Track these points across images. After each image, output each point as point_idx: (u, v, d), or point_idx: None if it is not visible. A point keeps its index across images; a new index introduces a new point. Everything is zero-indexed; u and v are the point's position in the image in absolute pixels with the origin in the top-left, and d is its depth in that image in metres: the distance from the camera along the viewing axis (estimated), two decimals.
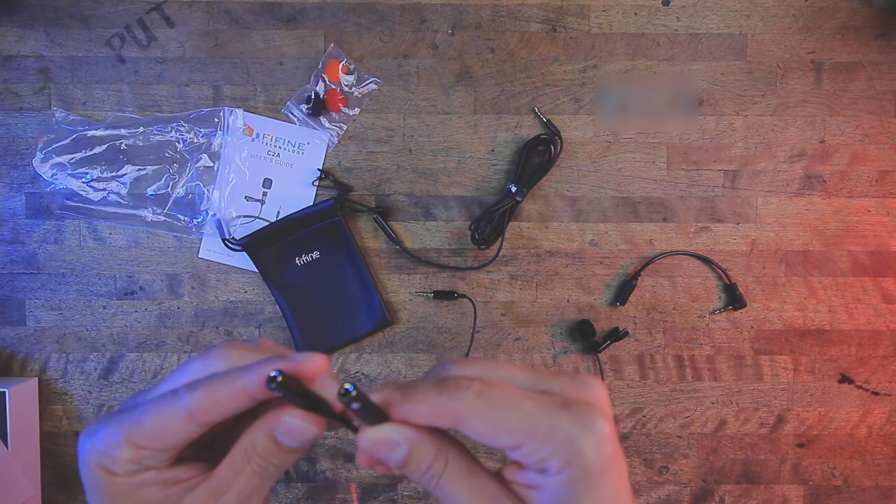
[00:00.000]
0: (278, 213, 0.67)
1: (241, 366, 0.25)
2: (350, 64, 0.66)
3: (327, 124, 0.67)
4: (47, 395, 0.67)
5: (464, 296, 0.67)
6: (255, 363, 0.24)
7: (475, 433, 0.23)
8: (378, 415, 0.24)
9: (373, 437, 0.24)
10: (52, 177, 0.66)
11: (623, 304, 0.67)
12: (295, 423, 0.24)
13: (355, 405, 0.23)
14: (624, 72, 0.67)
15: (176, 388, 0.24)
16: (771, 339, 0.68)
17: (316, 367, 0.24)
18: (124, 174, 0.67)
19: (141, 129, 0.66)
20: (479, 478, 0.25)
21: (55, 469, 0.68)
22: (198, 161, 0.67)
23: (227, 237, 0.66)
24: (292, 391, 0.22)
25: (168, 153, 0.67)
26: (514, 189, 0.64)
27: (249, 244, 0.65)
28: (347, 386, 0.22)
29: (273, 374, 0.21)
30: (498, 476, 0.26)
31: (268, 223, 0.66)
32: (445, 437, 0.25)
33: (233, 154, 0.67)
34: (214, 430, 0.25)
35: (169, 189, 0.67)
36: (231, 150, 0.67)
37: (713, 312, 0.68)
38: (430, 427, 0.25)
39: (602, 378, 0.68)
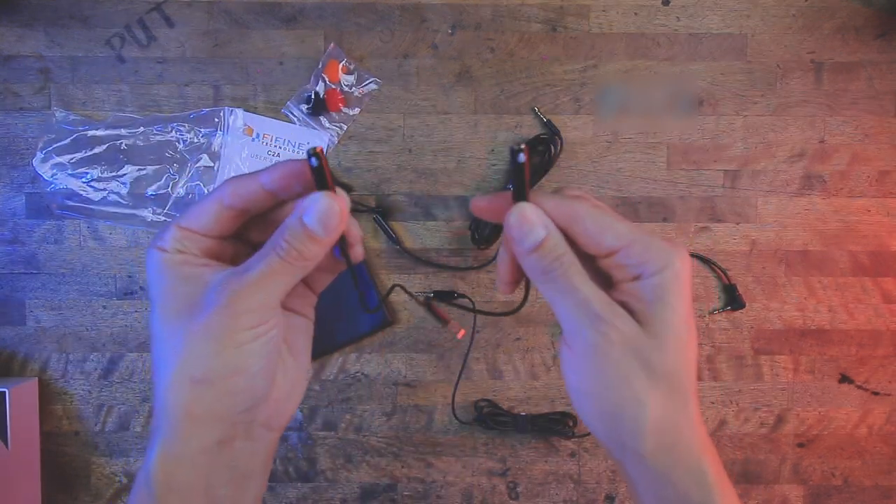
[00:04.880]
0: None
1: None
2: (350, 64, 0.66)
3: (327, 124, 0.67)
4: (47, 395, 0.67)
5: (464, 296, 0.67)
6: (273, 165, 0.28)
7: (586, 231, 0.28)
8: (522, 192, 0.28)
9: (524, 210, 0.28)
10: (52, 177, 0.66)
11: None
12: (319, 200, 0.27)
13: (522, 158, 0.27)
14: (624, 72, 0.67)
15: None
16: (771, 338, 0.68)
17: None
18: (124, 174, 0.67)
19: (141, 129, 0.66)
20: (592, 281, 0.28)
21: (55, 469, 0.68)
22: (198, 161, 0.67)
23: None
24: (321, 173, 0.26)
25: (168, 153, 0.67)
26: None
27: None
28: (522, 146, 0.27)
29: (314, 148, 0.26)
30: None
31: None
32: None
33: (233, 154, 0.67)
34: (243, 233, 0.30)
35: (169, 189, 0.67)
36: (231, 150, 0.67)
37: (712, 312, 0.68)
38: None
39: None
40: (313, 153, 0.26)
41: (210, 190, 0.67)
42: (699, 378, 0.68)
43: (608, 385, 0.27)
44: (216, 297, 0.26)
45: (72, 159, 0.66)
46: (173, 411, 0.27)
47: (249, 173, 0.29)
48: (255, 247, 0.30)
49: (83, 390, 0.68)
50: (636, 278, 0.28)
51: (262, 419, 0.29)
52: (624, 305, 0.28)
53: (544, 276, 0.28)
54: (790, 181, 0.68)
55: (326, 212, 0.27)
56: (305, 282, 0.32)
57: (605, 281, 0.29)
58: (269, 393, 0.29)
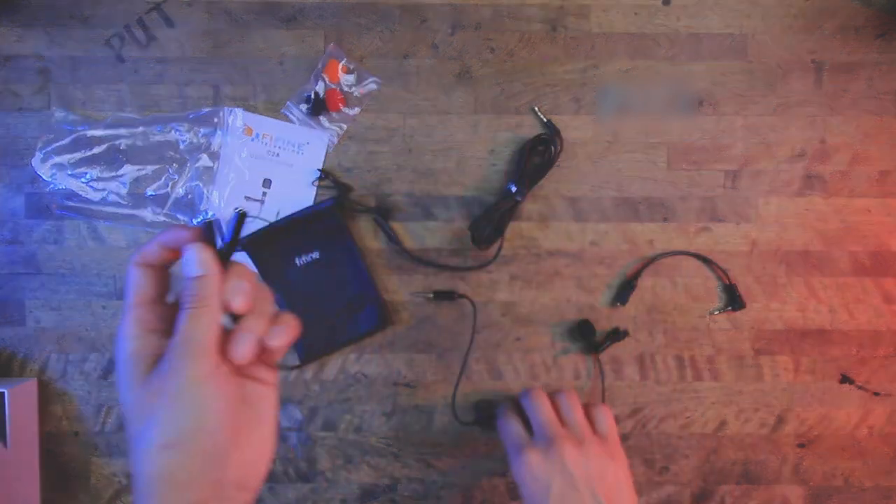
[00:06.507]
0: (278, 213, 0.67)
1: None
2: (350, 64, 0.66)
3: (327, 124, 0.67)
4: (47, 396, 0.67)
5: (464, 296, 0.67)
6: (160, 235, 0.35)
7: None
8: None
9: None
10: (51, 177, 0.66)
11: (623, 304, 0.67)
12: (188, 251, 0.33)
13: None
14: (624, 72, 0.67)
15: None
16: (771, 339, 0.68)
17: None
18: (124, 174, 0.66)
19: (141, 129, 0.66)
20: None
21: (55, 469, 0.68)
22: (197, 161, 0.67)
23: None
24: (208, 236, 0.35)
25: (168, 153, 0.67)
26: (514, 189, 0.64)
27: (249, 244, 0.65)
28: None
29: (206, 219, 0.36)
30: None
31: (268, 223, 0.66)
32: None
33: (232, 154, 0.67)
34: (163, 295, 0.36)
35: (168, 189, 0.67)
36: (231, 150, 0.67)
37: (712, 313, 0.68)
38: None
39: (602, 379, 0.67)
40: (205, 220, 0.36)
41: (209, 190, 0.67)
42: (700, 378, 0.68)
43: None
44: (163, 364, 0.31)
45: (71, 159, 0.66)
46: (149, 479, 0.30)
47: (149, 241, 0.35)
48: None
49: (83, 391, 0.67)
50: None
51: (231, 480, 0.31)
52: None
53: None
54: (791, 181, 0.67)
55: (197, 256, 0.33)
56: (261, 350, 0.36)
57: None
58: (234, 453, 0.32)
